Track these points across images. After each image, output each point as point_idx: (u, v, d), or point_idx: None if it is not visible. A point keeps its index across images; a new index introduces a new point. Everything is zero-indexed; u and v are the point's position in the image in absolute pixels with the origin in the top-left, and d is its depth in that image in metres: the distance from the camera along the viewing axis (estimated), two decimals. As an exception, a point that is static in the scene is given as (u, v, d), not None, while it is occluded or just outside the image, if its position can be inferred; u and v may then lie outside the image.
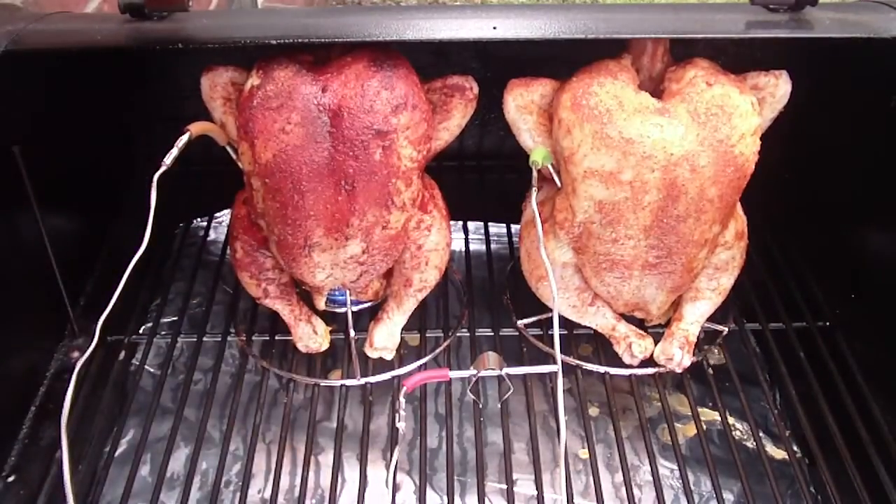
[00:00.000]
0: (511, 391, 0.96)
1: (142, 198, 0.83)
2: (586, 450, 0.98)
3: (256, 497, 0.97)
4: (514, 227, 1.21)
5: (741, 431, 1.05)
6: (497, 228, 1.31)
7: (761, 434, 1.03)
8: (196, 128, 0.86)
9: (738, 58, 1.10)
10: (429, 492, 0.96)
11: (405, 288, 0.99)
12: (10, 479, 0.88)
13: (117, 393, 1.06)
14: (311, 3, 2.64)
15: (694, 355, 1.00)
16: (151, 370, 1.11)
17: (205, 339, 1.09)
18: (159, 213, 0.82)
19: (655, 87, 0.91)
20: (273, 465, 0.96)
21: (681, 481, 0.92)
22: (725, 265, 0.97)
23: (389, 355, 1.03)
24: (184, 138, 0.84)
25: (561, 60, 0.89)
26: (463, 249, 1.22)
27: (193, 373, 1.05)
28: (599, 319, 1.01)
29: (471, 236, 1.26)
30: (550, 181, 0.93)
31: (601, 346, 1.05)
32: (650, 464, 0.92)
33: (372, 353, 1.02)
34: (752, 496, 0.87)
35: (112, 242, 1.15)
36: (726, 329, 1.06)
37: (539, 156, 0.89)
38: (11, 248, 0.92)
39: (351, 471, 0.98)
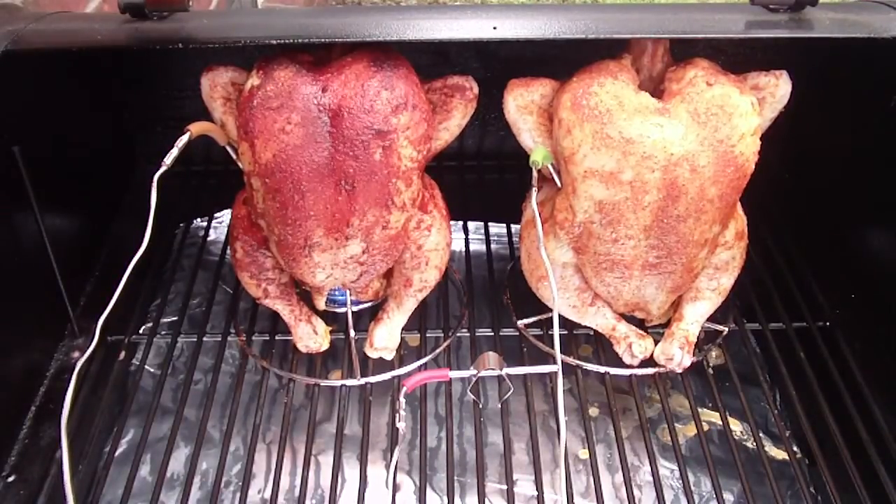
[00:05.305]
0: (511, 391, 0.96)
1: (142, 198, 0.83)
2: (586, 450, 0.98)
3: (256, 497, 0.97)
4: (515, 227, 1.21)
5: (741, 431, 1.05)
6: (497, 228, 1.31)
7: (761, 434, 1.03)
8: (196, 128, 0.86)
9: (738, 58, 1.10)
10: (429, 492, 0.96)
11: (405, 288, 0.99)
12: (10, 479, 0.88)
13: (117, 393, 1.06)
14: (311, 3, 2.64)
15: (694, 355, 1.00)
16: (151, 370, 1.11)
17: (205, 339, 1.09)
18: (159, 213, 0.82)
19: (655, 87, 0.91)
20: (273, 465, 0.96)
21: (681, 481, 0.92)
22: (725, 265, 0.97)
23: (389, 355, 1.03)
24: (184, 138, 0.84)
25: (561, 60, 0.90)
26: (463, 249, 1.22)
27: (193, 373, 1.05)
28: (599, 319, 1.01)
29: (471, 236, 1.26)
30: (550, 181, 0.93)
31: (601, 347, 1.05)
32: (650, 464, 0.91)
33: (372, 353, 1.03)
34: (752, 496, 0.87)
35: (112, 242, 1.15)
36: (726, 329, 1.06)
37: (539, 156, 0.89)
38: (11, 248, 0.92)
39: (351, 471, 0.98)
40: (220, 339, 1.08)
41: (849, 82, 1.04)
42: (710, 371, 1.03)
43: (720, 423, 0.98)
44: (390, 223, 0.90)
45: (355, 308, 1.06)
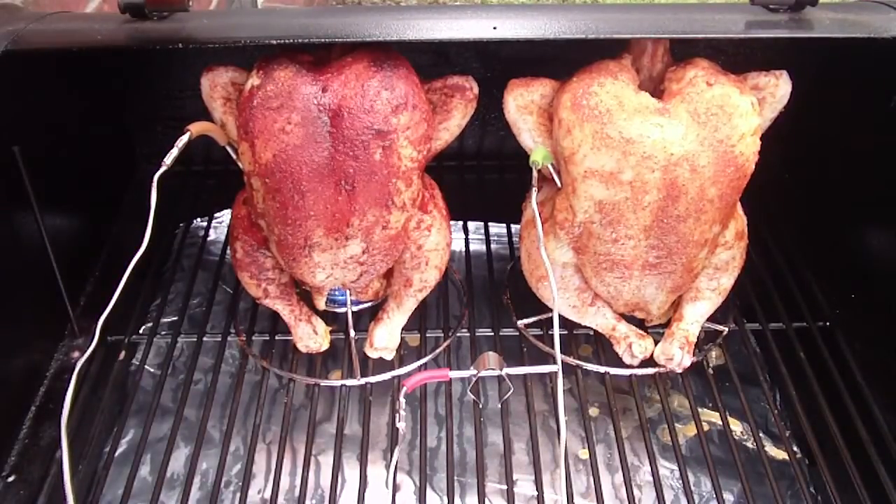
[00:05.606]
0: (511, 391, 0.96)
1: (142, 198, 0.83)
2: (586, 450, 0.98)
3: (256, 497, 0.97)
4: (515, 227, 1.21)
5: (741, 432, 1.05)
6: (497, 228, 1.31)
7: (761, 434, 1.03)
8: (196, 128, 0.86)
9: (738, 58, 1.10)
10: (429, 492, 0.96)
11: (405, 288, 0.99)
12: (10, 479, 0.88)
13: (117, 393, 1.06)
14: (311, 3, 2.64)
15: (694, 355, 1.00)
16: (151, 370, 1.11)
17: (205, 339, 1.09)
18: (159, 213, 0.82)
19: (655, 87, 0.91)
20: (273, 466, 0.96)
21: (681, 481, 0.92)
22: (725, 265, 0.97)
23: (389, 355, 1.03)
24: (184, 138, 0.84)
25: (561, 60, 0.90)
26: (463, 249, 1.22)
27: (193, 373, 1.05)
28: (599, 319, 1.01)
29: (471, 236, 1.26)
30: (551, 181, 0.93)
31: (601, 347, 1.05)
32: (650, 464, 0.91)
33: (372, 353, 1.02)
34: (752, 496, 0.87)
35: (112, 242, 1.15)
36: (726, 329, 1.06)
37: (539, 156, 0.89)
38: (11, 248, 0.92)
39: (351, 471, 0.98)
40: (220, 339, 1.08)
41: (849, 82, 1.04)
42: (710, 371, 1.03)
43: (720, 423, 0.98)
44: (390, 223, 0.90)
45: (355, 308, 1.06)
